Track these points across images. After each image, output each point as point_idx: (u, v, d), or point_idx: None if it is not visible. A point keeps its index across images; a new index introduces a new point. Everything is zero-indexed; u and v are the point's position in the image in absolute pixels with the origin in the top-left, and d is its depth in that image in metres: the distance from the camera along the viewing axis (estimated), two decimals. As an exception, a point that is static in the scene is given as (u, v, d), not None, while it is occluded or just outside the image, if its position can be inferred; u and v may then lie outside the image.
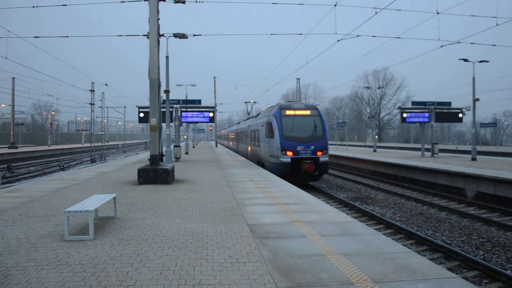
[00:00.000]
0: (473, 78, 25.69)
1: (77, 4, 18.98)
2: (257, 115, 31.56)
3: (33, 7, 16.48)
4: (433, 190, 19.14)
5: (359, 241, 6.43)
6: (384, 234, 10.12)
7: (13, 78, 51.58)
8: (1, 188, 14.00)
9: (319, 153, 20.41)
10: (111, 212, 8.63)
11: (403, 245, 8.54)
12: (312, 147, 20.35)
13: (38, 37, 18.88)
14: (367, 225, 10.60)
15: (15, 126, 56.51)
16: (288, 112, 21.29)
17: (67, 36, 18.74)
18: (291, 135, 20.49)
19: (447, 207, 15.23)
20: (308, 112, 21.64)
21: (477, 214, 13.93)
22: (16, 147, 52.44)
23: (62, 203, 10.00)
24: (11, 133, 54.00)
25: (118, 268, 5.20)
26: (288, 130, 20.64)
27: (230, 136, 50.86)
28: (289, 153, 20.08)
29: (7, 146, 53.50)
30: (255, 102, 48.56)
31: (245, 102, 47.20)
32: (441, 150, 35.76)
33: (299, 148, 20.17)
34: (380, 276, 4.87)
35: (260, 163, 24.33)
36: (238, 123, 50.08)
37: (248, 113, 44.67)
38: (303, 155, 20.11)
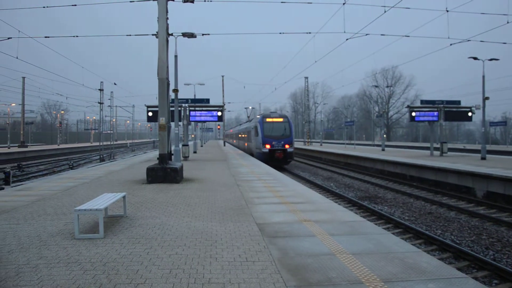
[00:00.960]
0: (483, 77, 25.48)
1: (87, 4, 19.11)
2: (250, 120, 43.19)
3: (44, 7, 16.61)
4: (442, 189, 19.03)
5: (368, 241, 6.42)
6: (393, 233, 10.08)
7: (23, 78, 52.03)
8: (12, 187, 14.16)
9: (287, 146, 30.47)
10: (120, 210, 8.68)
11: (412, 244, 8.51)
12: (282, 142, 30.45)
13: (48, 37, 19.04)
14: (376, 224, 10.58)
15: (25, 125, 57.00)
16: (268, 120, 31.89)
17: (77, 36, 18.88)
18: (269, 134, 30.81)
19: (456, 206, 15.13)
20: (281, 120, 32.22)
21: (487, 214, 13.84)
22: (26, 146, 52.90)
23: (72, 202, 10.09)
24: (21, 132, 54.50)
25: (128, 266, 5.24)
26: (268, 131, 31.00)
27: (233, 135, 61.83)
28: (267, 146, 30.28)
29: (17, 145, 53.98)
30: (253, 108, 59.77)
31: (245, 108, 57.66)
32: (450, 149, 35.51)
33: (274, 143, 30.28)
34: (390, 275, 4.86)
35: (251, 153, 34.58)
36: (240, 124, 60.78)
37: (248, 117, 53.51)
38: (276, 147, 30.24)
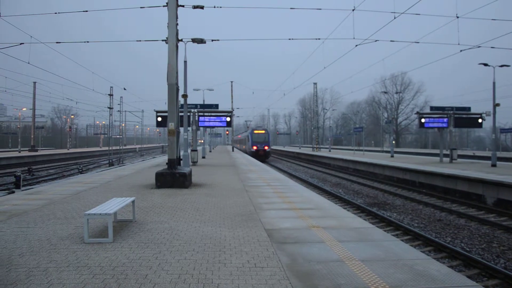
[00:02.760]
0: (494, 83, 25.31)
1: (98, 10, 19.30)
2: (247, 131, 63.67)
3: (55, 13, 16.80)
4: (452, 196, 18.88)
5: (377, 247, 6.38)
6: (402, 240, 10.00)
7: (34, 83, 52.59)
8: (22, 191, 14.27)
9: (266, 148, 51.41)
10: (129, 215, 8.72)
11: (422, 252, 8.44)
12: (263, 145, 51.42)
13: (59, 42, 19.23)
14: (385, 231, 10.51)
15: (35, 129, 57.50)
16: (255, 131, 53.64)
17: (88, 42, 19.05)
18: (256, 140, 51.68)
19: (466, 213, 15.00)
20: (263, 131, 53.89)
21: (498, 222, 13.69)
22: (36, 150, 53.38)
23: (81, 206, 10.15)
24: (32, 137, 54.94)
25: (137, 271, 5.26)
26: (255, 139, 51.90)
27: (238, 140, 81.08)
28: (255, 147, 51.11)
29: (27, 149, 54.47)
30: (251, 121, 79.49)
31: (245, 121, 77.98)
32: (460, 156, 35.27)
33: (258, 145, 51.12)
34: (399, 283, 4.82)
35: (246, 152, 55.55)
36: (242, 133, 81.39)
37: (247, 126, 72.45)
38: (259, 148, 50.92)
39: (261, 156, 50.05)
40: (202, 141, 58.67)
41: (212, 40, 18.45)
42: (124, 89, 46.14)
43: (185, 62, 21.11)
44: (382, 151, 58.69)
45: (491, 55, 42.57)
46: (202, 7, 15.76)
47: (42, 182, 24.11)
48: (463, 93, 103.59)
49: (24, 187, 17.34)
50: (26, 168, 33.55)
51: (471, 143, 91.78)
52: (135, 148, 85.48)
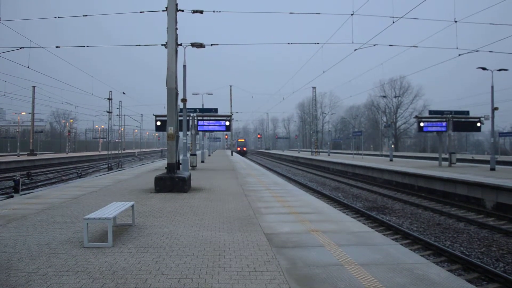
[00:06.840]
0: (492, 87, 25.38)
1: (97, 14, 19.35)
2: (237, 139, 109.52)
3: (55, 17, 16.85)
4: (451, 200, 18.87)
5: (377, 251, 6.39)
6: (402, 244, 10.00)
7: (34, 87, 52.64)
8: (21, 195, 14.26)
9: (244, 148, 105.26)
10: (129, 219, 8.72)
11: (421, 255, 8.43)
12: (242, 147, 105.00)
13: (59, 46, 19.23)
14: (384, 235, 10.51)
15: (34, 133, 57.48)
16: (239, 140, 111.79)
17: (87, 46, 19.06)
18: (238, 145, 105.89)
19: (466, 217, 15.00)
20: (243, 140, 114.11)
21: (497, 225, 13.69)
22: (35, 155, 53.30)
23: (80, 210, 10.15)
24: (31, 141, 54.94)
25: (137, 275, 5.26)
26: (238, 143, 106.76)
27: (231, 145, 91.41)
28: (238, 148, 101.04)
29: (26, 153, 54.41)
30: (239, 132, 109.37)
31: (236, 133, 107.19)
32: (459, 160, 35.27)
33: (240, 147, 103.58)
34: (399, 287, 4.83)
35: (234, 151, 72.24)
36: (235, 140, 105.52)
37: (237, 137, 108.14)
38: (241, 149, 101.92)
39: (241, 153, 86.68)
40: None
41: (212, 45, 18.49)
42: (123, 93, 46.22)
43: (185, 66, 21.11)
44: (381, 155, 58.73)
45: (490, 59, 42.85)
46: (201, 12, 15.82)
47: (41, 187, 24.07)
48: (462, 97, 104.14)
49: (23, 192, 17.29)
50: (25, 172, 33.48)
51: (470, 147, 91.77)
52: (134, 152, 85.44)
